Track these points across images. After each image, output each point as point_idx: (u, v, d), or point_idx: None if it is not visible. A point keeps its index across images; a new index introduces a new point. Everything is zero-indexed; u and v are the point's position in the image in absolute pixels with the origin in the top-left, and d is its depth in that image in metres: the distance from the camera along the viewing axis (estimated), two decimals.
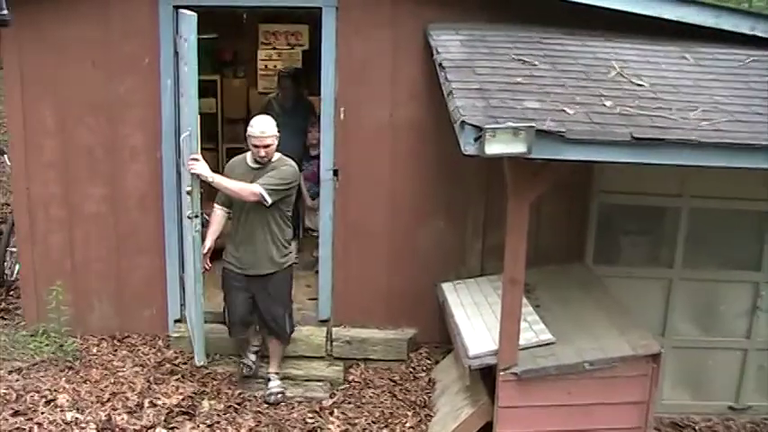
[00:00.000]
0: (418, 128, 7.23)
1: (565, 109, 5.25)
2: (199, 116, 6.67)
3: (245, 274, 6.86)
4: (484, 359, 5.99)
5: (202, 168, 6.54)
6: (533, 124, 4.86)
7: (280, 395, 7.03)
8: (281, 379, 7.20)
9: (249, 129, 6.72)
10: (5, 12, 5.96)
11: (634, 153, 5.01)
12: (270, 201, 6.55)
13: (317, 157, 8.05)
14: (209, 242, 6.88)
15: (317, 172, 7.94)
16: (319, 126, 7.94)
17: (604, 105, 5.37)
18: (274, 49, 10.26)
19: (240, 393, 7.05)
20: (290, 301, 7.18)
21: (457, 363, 6.76)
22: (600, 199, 7.16)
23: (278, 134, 6.73)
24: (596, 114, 5.21)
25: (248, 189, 6.56)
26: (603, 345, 6.04)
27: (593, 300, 6.71)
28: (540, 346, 6.01)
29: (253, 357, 7.25)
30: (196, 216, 6.70)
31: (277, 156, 6.78)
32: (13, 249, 8.36)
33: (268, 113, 8.62)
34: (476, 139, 4.85)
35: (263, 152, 6.65)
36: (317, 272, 8.02)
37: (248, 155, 6.82)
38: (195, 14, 6.49)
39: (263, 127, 6.66)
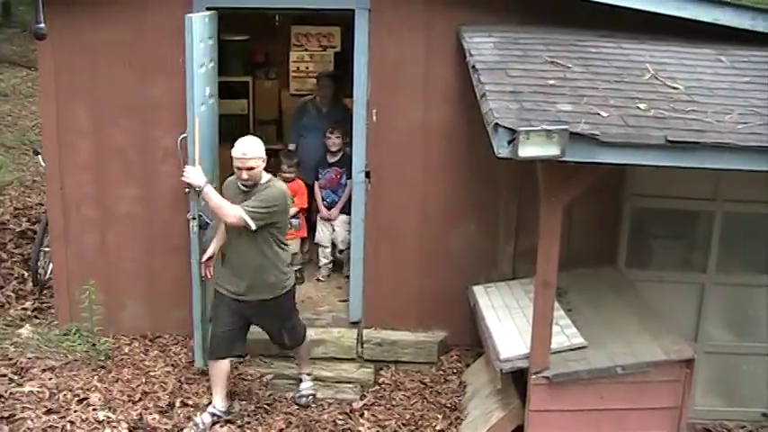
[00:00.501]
0: (450, 130, 7.22)
1: (599, 112, 5.21)
2: (198, 120, 6.65)
3: (240, 300, 6.53)
4: (515, 362, 5.97)
5: (195, 177, 6.38)
6: (567, 127, 4.84)
7: (311, 397, 7.02)
8: (315, 379, 7.22)
9: (233, 150, 6.31)
10: (42, 25, 6.04)
11: (668, 156, 4.98)
12: (253, 226, 6.18)
13: (337, 163, 8.24)
14: (211, 249, 6.73)
15: (336, 178, 8.14)
16: (340, 131, 8.09)
17: (639, 108, 5.33)
18: (306, 50, 10.28)
19: (270, 395, 7.07)
20: (296, 311, 6.93)
21: (488, 366, 6.74)
22: (632, 202, 7.12)
23: (263, 156, 6.35)
24: (631, 117, 5.17)
25: (230, 210, 6.22)
26: (636, 349, 6.00)
27: (625, 304, 6.67)
28: (571, 349, 5.98)
29: (207, 419, 6.57)
30: (193, 218, 6.71)
31: (267, 177, 6.42)
32: (47, 249, 8.42)
33: (301, 116, 8.64)
34: (509, 142, 4.83)
35: (245, 175, 6.26)
36: (347, 276, 8.05)
37: None
38: (194, 16, 6.56)
39: (244, 148, 6.25)
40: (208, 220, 6.82)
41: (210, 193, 6.34)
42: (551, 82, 5.70)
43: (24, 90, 16.53)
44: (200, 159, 6.64)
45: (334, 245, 8.60)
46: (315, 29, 10.28)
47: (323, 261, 8.65)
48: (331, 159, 8.46)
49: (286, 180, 7.81)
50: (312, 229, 8.75)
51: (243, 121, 10.01)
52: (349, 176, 7.95)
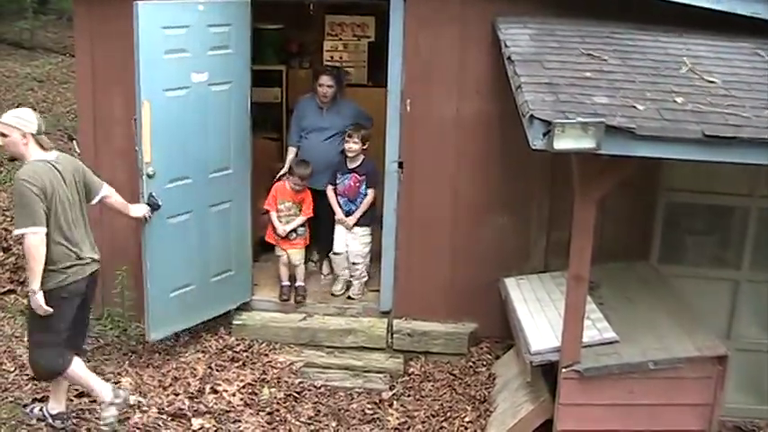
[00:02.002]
0: (484, 122, 7.20)
1: (635, 105, 5.17)
2: (147, 104, 6.69)
3: None
4: (546, 356, 5.96)
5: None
6: (603, 120, 4.81)
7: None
8: (345, 369, 7.31)
9: None
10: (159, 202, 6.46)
11: (705, 151, 4.93)
12: (15, 231, 5.70)
13: (357, 169, 7.80)
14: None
15: (355, 186, 7.79)
16: (359, 135, 7.71)
17: (675, 102, 5.28)
18: (340, 40, 10.25)
19: (300, 382, 7.10)
20: (39, 332, 5.89)
21: (518, 358, 6.73)
22: (666, 197, 7.07)
23: (21, 129, 5.66)
24: (667, 111, 5.13)
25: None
26: (668, 345, 5.96)
27: (657, 299, 6.63)
28: (603, 344, 5.95)
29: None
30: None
31: (36, 156, 5.76)
32: None
33: (302, 116, 8.14)
34: (544, 134, 4.81)
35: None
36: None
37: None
38: (144, 4, 6.56)
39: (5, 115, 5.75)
40: (159, 202, 6.87)
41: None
42: (587, 74, 5.66)
43: (59, 76, 16.61)
44: (149, 144, 6.74)
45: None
46: (349, 18, 10.24)
47: (338, 272, 8.12)
48: (351, 165, 7.83)
49: (293, 191, 7.75)
50: (320, 237, 8.22)
51: (276, 109, 10.02)
52: (369, 185, 7.77)
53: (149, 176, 6.82)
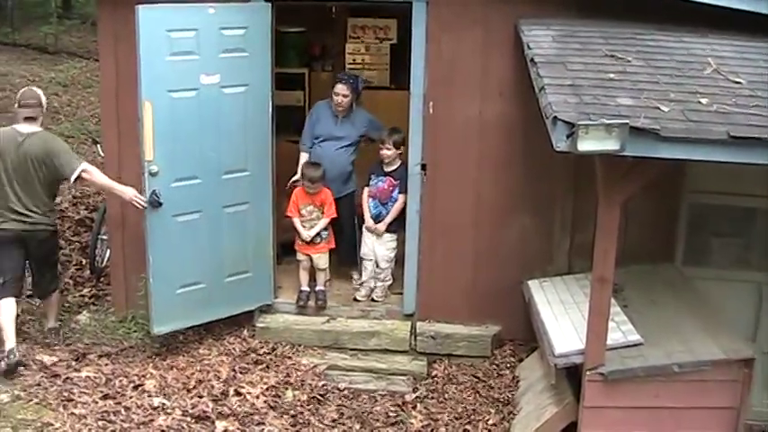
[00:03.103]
0: (507, 124, 7.19)
1: (659, 106, 5.14)
2: (148, 104, 6.80)
3: None
4: (570, 358, 5.93)
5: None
6: (627, 121, 4.78)
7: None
8: (368, 371, 7.30)
9: None
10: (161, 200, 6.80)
11: (731, 152, 4.89)
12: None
13: (393, 173, 7.78)
14: None
15: (389, 190, 7.76)
16: (391, 140, 7.69)
17: (700, 103, 5.25)
18: (362, 42, 10.28)
19: (324, 385, 7.10)
20: None
21: (542, 361, 6.71)
22: (691, 199, 7.03)
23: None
24: (692, 112, 5.10)
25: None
26: (693, 347, 5.92)
27: (682, 302, 6.59)
28: (627, 346, 5.92)
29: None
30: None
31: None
32: (104, 237, 8.53)
33: (316, 121, 8.07)
34: (568, 136, 4.79)
35: None
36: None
37: None
38: (145, 8, 6.67)
39: None
40: (159, 200, 6.96)
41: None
42: (611, 75, 5.64)
43: (83, 81, 16.74)
44: (152, 144, 6.85)
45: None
46: (371, 21, 10.26)
47: (364, 278, 8.04)
48: (387, 168, 7.83)
49: (309, 194, 7.75)
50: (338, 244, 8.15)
51: (299, 112, 10.04)
52: (402, 190, 7.71)
53: (152, 174, 6.90)
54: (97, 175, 7.10)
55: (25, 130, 6.98)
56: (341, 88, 7.92)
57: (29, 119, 7.03)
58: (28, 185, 6.96)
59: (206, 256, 7.35)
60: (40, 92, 7.28)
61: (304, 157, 8.02)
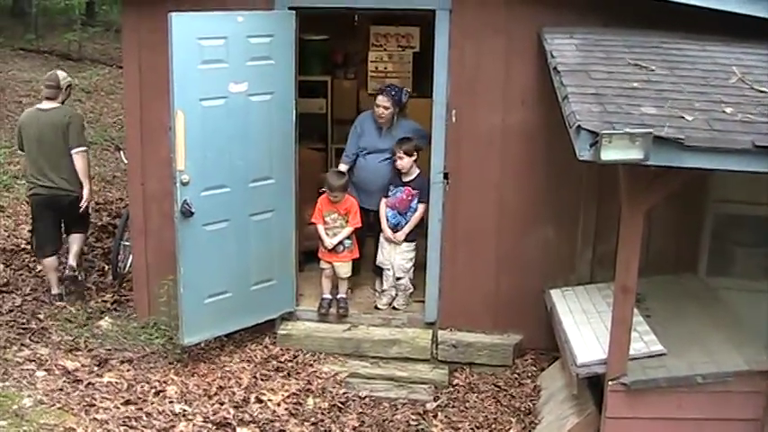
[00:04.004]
0: (529, 133, 7.17)
1: (683, 115, 5.12)
2: (181, 114, 6.79)
3: None
4: (592, 368, 5.90)
5: None
6: (651, 130, 4.76)
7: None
8: (389, 379, 7.32)
9: None
10: (192, 209, 6.81)
11: (756, 161, 4.86)
12: None
13: (411, 183, 7.70)
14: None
15: (407, 200, 7.69)
16: (408, 149, 7.58)
17: (725, 112, 5.22)
18: (385, 50, 10.29)
19: (344, 393, 7.10)
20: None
21: (564, 370, 6.68)
22: (715, 208, 6.99)
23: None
24: (716, 121, 5.07)
25: None
26: (717, 358, 5.88)
27: (706, 312, 6.55)
28: (650, 356, 5.89)
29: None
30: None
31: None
32: (127, 243, 8.58)
33: (360, 133, 7.97)
34: (591, 145, 4.78)
35: None
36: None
37: None
38: (177, 16, 6.65)
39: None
40: (192, 209, 6.95)
41: None
42: (635, 84, 5.62)
43: (106, 87, 16.85)
44: (184, 153, 6.85)
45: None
46: (394, 29, 10.28)
47: (385, 286, 7.99)
48: (405, 178, 7.70)
49: (332, 202, 7.70)
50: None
51: (321, 119, 10.08)
52: (420, 200, 7.66)
53: (183, 184, 6.90)
54: (82, 165, 8.17)
55: (45, 107, 8.22)
56: (381, 99, 7.81)
57: (48, 98, 8.24)
58: (52, 154, 8.10)
59: (233, 265, 7.36)
60: (61, 74, 8.48)
61: (343, 169, 7.98)
